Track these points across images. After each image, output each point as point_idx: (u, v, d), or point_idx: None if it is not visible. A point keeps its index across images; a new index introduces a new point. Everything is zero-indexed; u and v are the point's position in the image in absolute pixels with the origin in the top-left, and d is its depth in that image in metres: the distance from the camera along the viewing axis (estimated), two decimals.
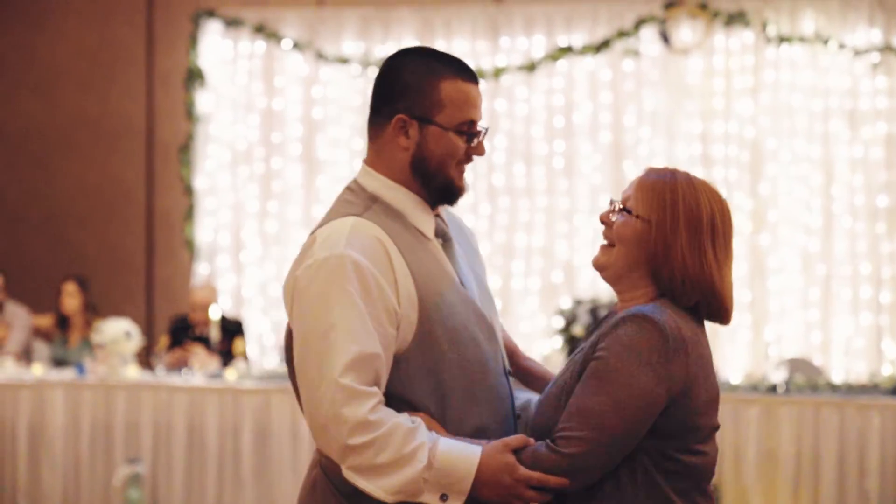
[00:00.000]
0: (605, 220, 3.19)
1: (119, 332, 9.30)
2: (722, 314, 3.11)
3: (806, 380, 8.76)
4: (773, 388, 8.48)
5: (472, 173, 11.28)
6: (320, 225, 3.13)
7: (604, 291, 10.39)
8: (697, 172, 10.78)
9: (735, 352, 10.82)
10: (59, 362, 10.14)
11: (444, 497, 2.89)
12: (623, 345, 2.95)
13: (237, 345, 9.81)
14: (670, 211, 3.07)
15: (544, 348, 10.15)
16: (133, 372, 9.37)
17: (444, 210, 3.35)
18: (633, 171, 10.97)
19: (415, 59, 3.18)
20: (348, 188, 3.22)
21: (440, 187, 3.16)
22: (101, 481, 9.11)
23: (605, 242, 3.18)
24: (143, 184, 12.00)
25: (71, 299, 10.35)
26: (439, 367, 3.08)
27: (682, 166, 11.37)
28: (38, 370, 9.54)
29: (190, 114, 11.69)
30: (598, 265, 3.18)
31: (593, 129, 11.14)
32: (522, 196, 11.28)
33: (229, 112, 11.76)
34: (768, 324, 10.77)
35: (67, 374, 9.48)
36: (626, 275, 3.12)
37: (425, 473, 2.88)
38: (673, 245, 3.04)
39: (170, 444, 9.04)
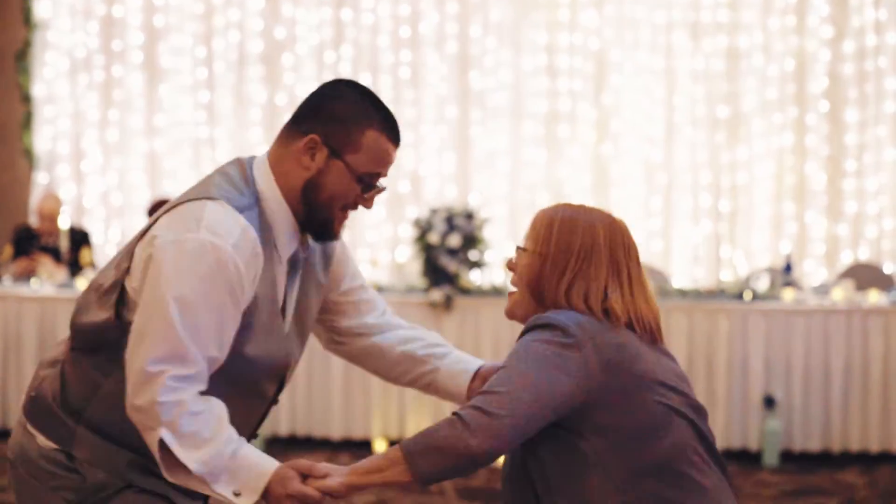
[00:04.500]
0: (510, 266, 3.20)
1: None
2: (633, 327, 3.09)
3: (654, 286, 8.96)
4: None
5: (318, 84, 11.24)
6: (205, 195, 3.04)
7: (454, 201, 10.48)
8: (542, 83, 10.86)
9: None
10: None
11: (237, 494, 2.94)
12: (526, 339, 2.99)
13: (84, 255, 9.68)
14: (546, 242, 3.10)
15: (397, 257, 10.23)
16: None
17: None
18: (478, 82, 11.07)
19: (355, 95, 3.14)
20: (241, 165, 3.16)
21: (319, 221, 3.13)
22: None
23: (512, 289, 3.20)
24: None
25: None
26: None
27: (527, 77, 11.44)
28: None
29: (27, 20, 11.40)
30: (508, 314, 3.20)
31: (440, 39, 11.16)
32: None
33: (68, 19, 11.50)
34: None
35: None
36: (532, 312, 3.12)
37: (229, 460, 2.93)
38: (551, 275, 3.08)
39: (20, 354, 8.92)
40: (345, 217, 3.15)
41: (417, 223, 8.93)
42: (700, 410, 3.09)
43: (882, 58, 10.80)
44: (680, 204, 11.00)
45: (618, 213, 10.60)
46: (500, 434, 2.85)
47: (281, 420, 8.79)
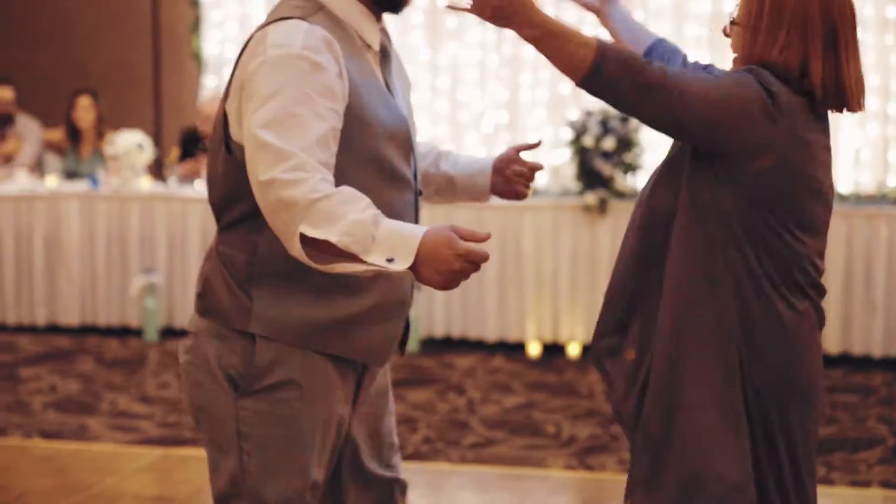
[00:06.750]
0: (726, 33, 3.24)
1: (132, 144, 9.36)
2: (833, 103, 3.11)
3: None
4: None
5: None
6: (268, 22, 3.11)
7: None
8: None
9: None
10: (70, 174, 10.21)
11: (390, 260, 2.82)
12: (727, 76, 3.07)
13: None
14: (759, 15, 3.11)
15: (553, 160, 10.22)
16: (146, 183, 9.45)
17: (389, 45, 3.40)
18: None
19: None
20: None
21: None
22: (118, 291, 9.26)
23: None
24: None
25: (85, 113, 10.38)
26: (351, 164, 3.09)
27: None
28: (52, 182, 9.62)
29: None
30: None
31: None
32: None
33: None
34: None
35: (81, 185, 9.56)
36: None
37: (373, 228, 2.83)
38: (764, 47, 3.10)
39: (184, 254, 9.16)
40: None
41: (573, 126, 8.90)
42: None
43: None
44: None
45: None
46: (675, 93, 2.98)
47: (436, 321, 8.91)
